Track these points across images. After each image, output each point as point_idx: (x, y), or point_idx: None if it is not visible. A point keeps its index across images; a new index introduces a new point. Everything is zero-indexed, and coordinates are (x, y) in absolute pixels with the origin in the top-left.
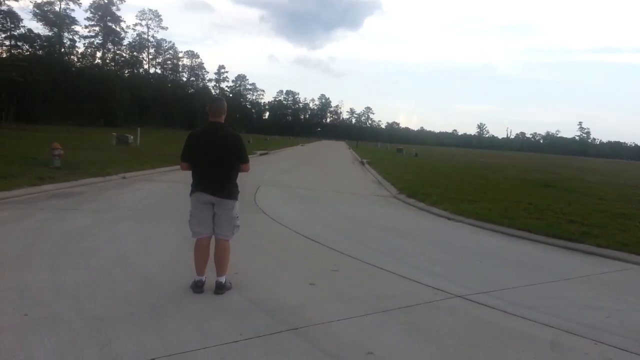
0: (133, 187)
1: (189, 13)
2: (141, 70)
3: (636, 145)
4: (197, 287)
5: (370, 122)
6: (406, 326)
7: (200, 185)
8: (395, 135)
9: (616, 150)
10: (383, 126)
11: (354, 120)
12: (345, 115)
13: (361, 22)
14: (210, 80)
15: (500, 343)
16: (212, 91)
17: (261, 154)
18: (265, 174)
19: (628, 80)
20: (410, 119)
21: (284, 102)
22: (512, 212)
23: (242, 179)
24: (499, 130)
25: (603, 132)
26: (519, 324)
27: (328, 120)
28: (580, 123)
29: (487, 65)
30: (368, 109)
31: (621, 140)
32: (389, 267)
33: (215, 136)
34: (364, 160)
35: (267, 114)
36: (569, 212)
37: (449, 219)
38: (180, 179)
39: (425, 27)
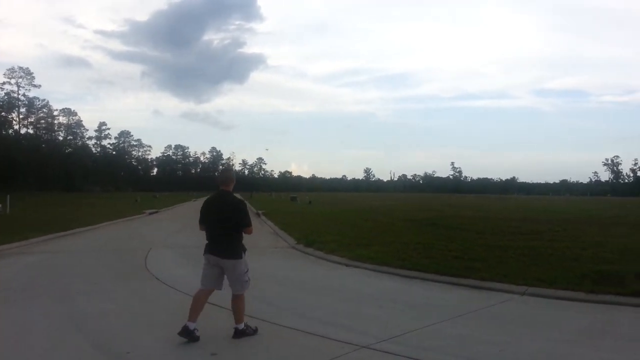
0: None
1: (64, 69)
2: (10, 131)
3: (501, 180)
4: (185, 332)
5: (263, 172)
6: None
7: (208, 247)
8: (288, 184)
9: (484, 186)
10: (276, 175)
11: (246, 172)
12: (237, 167)
13: (247, 76)
14: (90, 137)
15: None
16: (93, 149)
17: (151, 213)
18: (156, 235)
19: (488, 123)
20: (302, 167)
21: (173, 157)
22: (404, 253)
23: (128, 243)
24: (383, 173)
25: (473, 170)
26: None
27: None
28: (452, 163)
29: (367, 113)
30: (260, 159)
31: (488, 177)
32: (292, 324)
33: (220, 203)
34: (260, 212)
35: (155, 170)
36: (453, 248)
37: (346, 265)
38: (61, 248)
39: (309, 79)
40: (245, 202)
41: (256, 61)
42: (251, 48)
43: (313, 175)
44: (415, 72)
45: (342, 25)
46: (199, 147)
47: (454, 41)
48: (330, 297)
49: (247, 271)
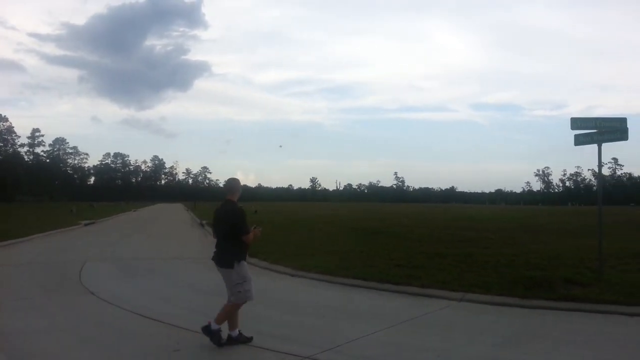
0: None
1: None
2: None
3: (441, 190)
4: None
5: (207, 181)
6: None
7: (213, 254)
8: None
9: (427, 195)
10: (221, 185)
11: (190, 181)
12: (181, 176)
13: (191, 84)
14: (22, 145)
15: None
16: (25, 157)
17: (87, 224)
18: (92, 248)
19: (429, 135)
20: (248, 177)
21: (112, 165)
22: (348, 262)
23: (62, 255)
24: (329, 182)
25: (415, 179)
26: None
27: (163, 182)
28: (395, 173)
29: (314, 123)
30: (205, 168)
31: (429, 186)
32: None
33: (221, 211)
34: (204, 222)
35: (92, 179)
36: (395, 257)
37: (292, 275)
38: None
39: (255, 88)
40: (244, 210)
41: (201, 69)
42: (195, 55)
43: (259, 184)
44: (361, 84)
45: (289, 36)
46: (139, 155)
47: (397, 55)
48: (273, 308)
49: (242, 282)
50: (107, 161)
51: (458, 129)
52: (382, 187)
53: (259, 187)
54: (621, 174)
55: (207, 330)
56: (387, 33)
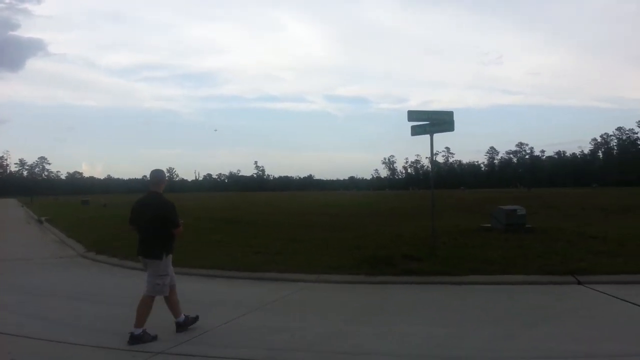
0: None
1: None
2: None
3: (300, 178)
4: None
5: (47, 173)
6: None
7: (138, 248)
8: (79, 186)
9: (286, 184)
10: (63, 177)
11: (25, 173)
12: (14, 168)
13: (22, 63)
14: None
15: None
16: None
17: None
18: None
19: (288, 124)
20: (95, 168)
21: None
22: (204, 252)
23: None
24: (188, 173)
25: (275, 168)
26: None
27: None
28: (255, 162)
29: (168, 111)
30: (42, 158)
31: (289, 175)
32: (79, 340)
33: (146, 204)
34: (42, 218)
35: None
36: (255, 244)
37: (144, 270)
38: None
39: (100, 71)
40: (173, 203)
41: (34, 47)
42: (27, 32)
43: (109, 176)
44: (218, 72)
45: (139, 16)
46: None
47: (256, 44)
48: (122, 307)
49: (164, 275)
50: None
51: (314, 119)
52: (242, 176)
53: (109, 179)
54: (453, 161)
55: (134, 339)
56: (244, 21)
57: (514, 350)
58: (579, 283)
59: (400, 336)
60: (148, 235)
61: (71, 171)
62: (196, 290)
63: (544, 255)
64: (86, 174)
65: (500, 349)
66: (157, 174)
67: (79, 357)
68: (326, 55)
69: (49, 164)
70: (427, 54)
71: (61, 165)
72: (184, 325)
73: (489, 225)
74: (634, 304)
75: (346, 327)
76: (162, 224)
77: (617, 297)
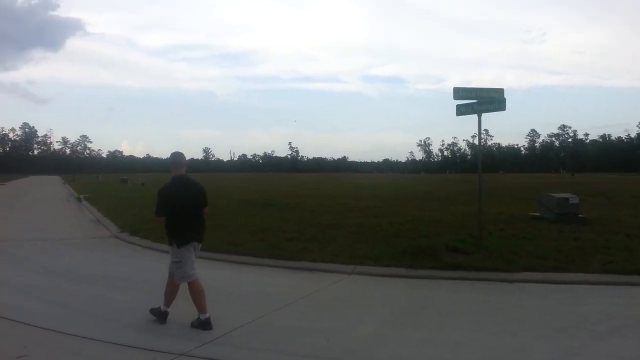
0: None
1: None
2: None
3: (334, 160)
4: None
5: (88, 151)
6: None
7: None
8: (119, 165)
9: (319, 165)
10: (104, 155)
11: (68, 151)
12: (57, 146)
13: (62, 43)
14: None
15: None
16: None
17: None
18: None
19: (323, 105)
20: (135, 147)
21: None
22: (237, 236)
23: None
24: (223, 153)
25: (309, 149)
26: None
27: (36, 152)
28: (290, 143)
29: (206, 92)
30: (84, 137)
31: (322, 156)
32: (98, 335)
33: (186, 188)
34: (81, 196)
35: None
36: (287, 229)
37: None
38: None
39: (140, 51)
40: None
41: (73, 27)
42: (66, 12)
43: (148, 155)
44: (254, 52)
45: None
46: (6, 122)
47: (292, 24)
48: (146, 294)
49: (178, 261)
50: None
51: (349, 100)
52: (276, 157)
53: (148, 158)
54: (491, 144)
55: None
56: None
57: None
58: None
59: (451, 345)
60: (197, 220)
61: (112, 150)
62: (225, 279)
63: (603, 251)
64: (126, 153)
65: None
66: (178, 156)
67: (94, 355)
68: (362, 34)
69: (91, 142)
70: (466, 33)
71: (102, 144)
72: (197, 325)
73: (538, 214)
74: None
75: (387, 330)
76: (203, 204)
77: None
